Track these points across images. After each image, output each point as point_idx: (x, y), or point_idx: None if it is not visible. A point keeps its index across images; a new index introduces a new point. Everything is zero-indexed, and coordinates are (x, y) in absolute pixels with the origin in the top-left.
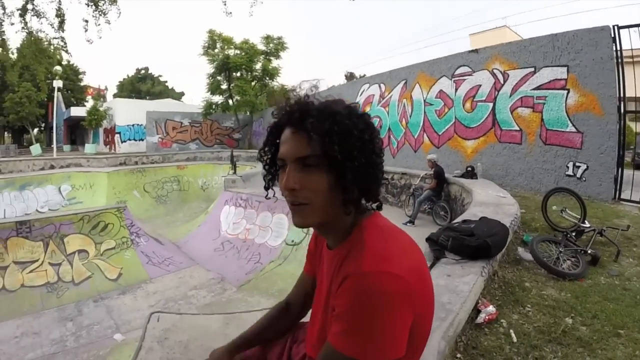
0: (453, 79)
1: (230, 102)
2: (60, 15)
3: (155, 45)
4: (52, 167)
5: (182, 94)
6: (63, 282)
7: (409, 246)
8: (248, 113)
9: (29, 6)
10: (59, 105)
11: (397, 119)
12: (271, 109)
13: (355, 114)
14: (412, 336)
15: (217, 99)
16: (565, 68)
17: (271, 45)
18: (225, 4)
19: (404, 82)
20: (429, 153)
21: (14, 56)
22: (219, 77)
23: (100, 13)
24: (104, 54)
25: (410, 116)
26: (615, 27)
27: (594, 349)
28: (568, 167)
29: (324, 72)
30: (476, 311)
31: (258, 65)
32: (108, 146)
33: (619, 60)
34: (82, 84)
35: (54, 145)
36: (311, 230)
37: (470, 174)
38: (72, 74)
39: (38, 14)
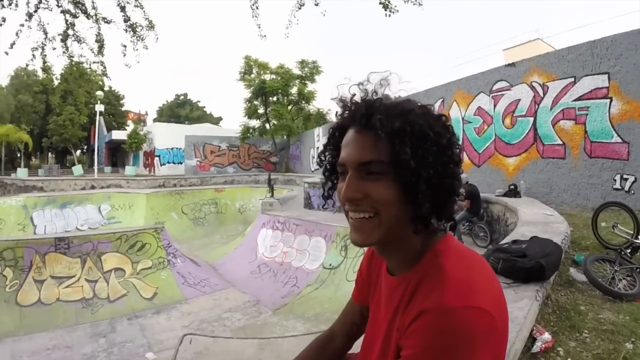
0: (491, 95)
1: (267, 126)
2: (99, 40)
3: (194, 71)
4: (92, 187)
5: (220, 118)
6: (98, 299)
7: (489, 273)
8: (285, 137)
9: (70, 32)
10: (100, 129)
11: None
12: (308, 132)
13: (432, 114)
14: None
15: (254, 123)
16: (606, 75)
17: (306, 69)
18: (259, 27)
19: (441, 100)
20: (463, 172)
21: (58, 81)
22: (255, 102)
23: (138, 38)
24: (144, 81)
25: None
26: None
27: None
28: (615, 180)
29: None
30: (531, 339)
31: (294, 90)
32: (148, 169)
33: None
34: (123, 108)
35: (95, 167)
36: (350, 253)
37: (513, 192)
38: (113, 99)
39: (79, 39)
